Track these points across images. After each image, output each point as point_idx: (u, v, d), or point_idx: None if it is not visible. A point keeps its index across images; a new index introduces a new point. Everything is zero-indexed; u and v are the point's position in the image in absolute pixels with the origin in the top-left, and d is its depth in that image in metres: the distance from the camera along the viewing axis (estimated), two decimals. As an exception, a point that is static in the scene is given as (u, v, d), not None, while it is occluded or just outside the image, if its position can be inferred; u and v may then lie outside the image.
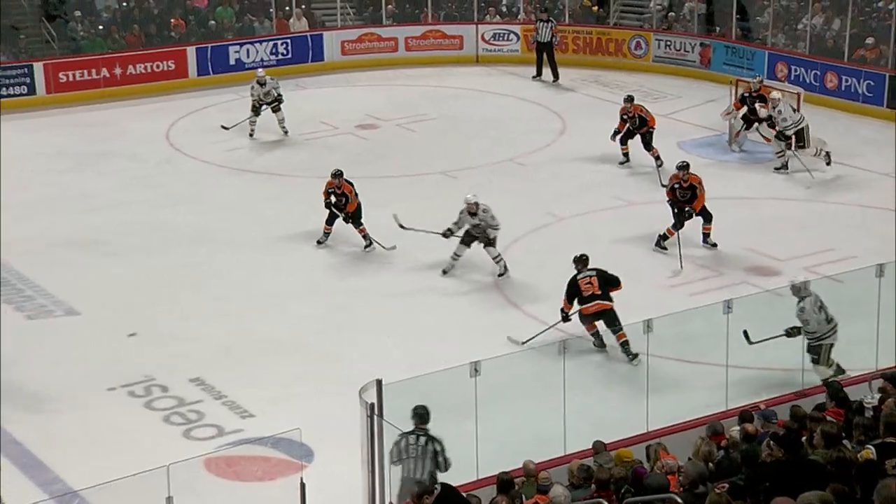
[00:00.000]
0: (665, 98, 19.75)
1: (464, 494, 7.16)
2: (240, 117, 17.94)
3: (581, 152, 16.76)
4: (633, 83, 20.70)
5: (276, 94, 17.57)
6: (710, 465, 7.21)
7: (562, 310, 11.08)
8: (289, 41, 21.55)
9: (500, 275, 12.79)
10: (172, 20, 21.26)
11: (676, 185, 13.24)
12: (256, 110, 17.66)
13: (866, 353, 9.65)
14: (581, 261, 11.25)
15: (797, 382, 9.39)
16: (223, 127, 17.88)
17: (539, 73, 20.90)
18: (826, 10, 19.76)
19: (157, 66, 20.53)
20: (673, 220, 13.23)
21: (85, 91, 19.86)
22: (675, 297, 11.97)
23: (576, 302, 11.01)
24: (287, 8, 22.08)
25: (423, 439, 7.97)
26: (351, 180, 13.69)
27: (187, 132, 18.37)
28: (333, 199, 13.58)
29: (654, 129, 15.93)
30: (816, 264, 12.69)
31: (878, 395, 7.87)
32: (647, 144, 15.94)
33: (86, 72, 19.99)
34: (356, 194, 13.59)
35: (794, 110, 16.18)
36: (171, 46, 20.82)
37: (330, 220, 13.70)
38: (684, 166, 13.33)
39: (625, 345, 10.59)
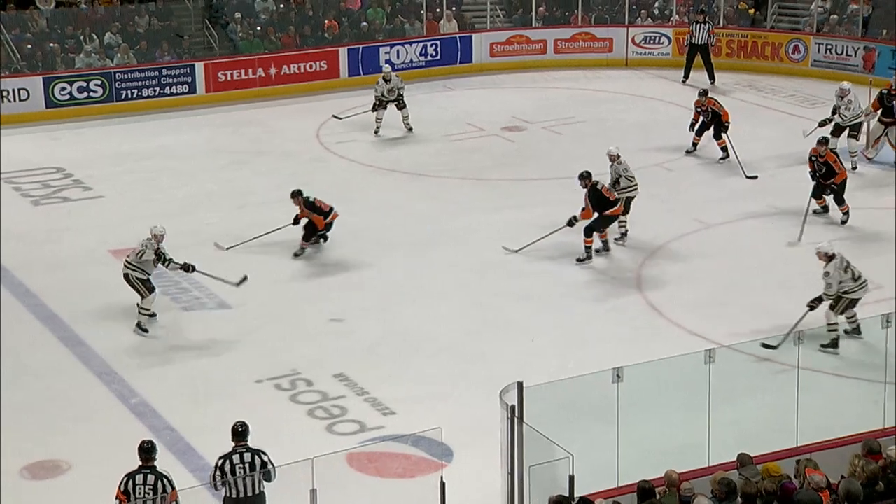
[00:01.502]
0: (822, 103, 19.01)
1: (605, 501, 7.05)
2: (396, 118, 18.16)
3: (732, 158, 16.35)
4: (790, 88, 20.11)
5: (399, 92, 17.86)
6: (881, 484, 6.90)
7: (574, 217, 13.01)
8: (438, 42, 21.74)
9: (618, 239, 13.61)
10: (326, 21, 21.73)
11: (814, 158, 13.86)
12: (378, 107, 17.92)
13: None
14: (587, 176, 13.08)
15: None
16: (335, 117, 18.12)
17: (687, 76, 20.51)
18: None
19: (311, 67, 21.00)
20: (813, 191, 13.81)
21: (242, 90, 20.47)
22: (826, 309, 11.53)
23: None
24: (437, 10, 22.28)
25: (247, 455, 7.83)
26: (311, 198, 13.53)
27: (336, 131, 18.72)
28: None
29: (728, 123, 16.20)
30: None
31: None
32: (717, 135, 16.28)
33: (243, 71, 20.61)
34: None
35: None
36: (324, 47, 21.27)
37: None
38: (824, 141, 13.93)
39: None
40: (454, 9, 22.40)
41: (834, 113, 15.96)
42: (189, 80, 20.23)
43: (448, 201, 15.45)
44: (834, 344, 10.71)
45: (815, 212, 14.08)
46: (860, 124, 15.91)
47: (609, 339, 11.43)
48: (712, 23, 20.65)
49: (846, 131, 15.95)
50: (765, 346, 10.11)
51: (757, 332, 11.30)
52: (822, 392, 9.50)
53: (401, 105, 17.99)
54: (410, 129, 18.15)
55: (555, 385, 8.24)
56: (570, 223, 13.19)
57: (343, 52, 21.18)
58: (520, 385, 7.95)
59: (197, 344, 11.63)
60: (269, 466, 7.89)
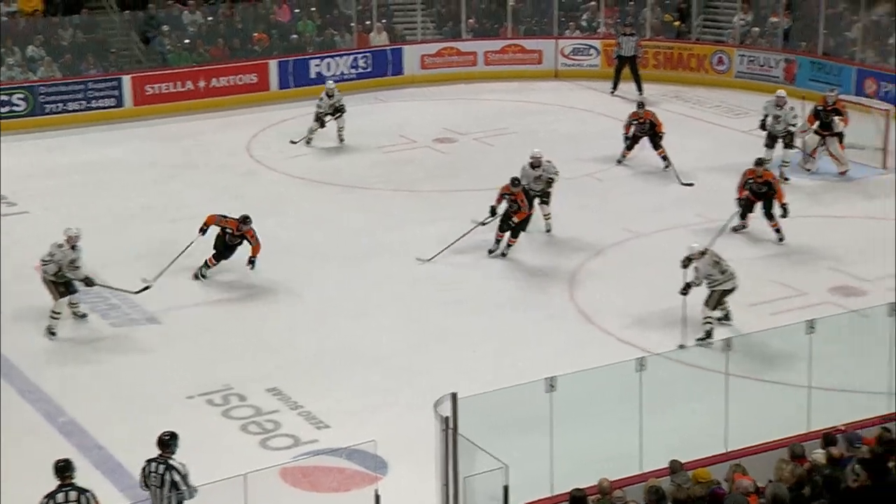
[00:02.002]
0: (747, 114, 19.44)
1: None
2: (329, 130, 18.21)
3: (659, 169, 16.59)
4: (714, 99, 20.47)
5: (339, 105, 17.98)
6: (808, 488, 7.04)
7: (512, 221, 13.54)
8: (369, 55, 21.75)
9: (547, 231, 14.16)
10: (256, 34, 21.61)
11: (752, 179, 13.83)
12: (321, 121, 17.99)
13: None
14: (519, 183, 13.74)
15: (882, 407, 9.14)
16: (292, 142, 18.16)
17: (616, 88, 20.78)
18: (918, 24, 19.34)
19: (240, 79, 20.88)
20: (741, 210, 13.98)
21: (170, 103, 20.27)
22: (753, 317, 11.78)
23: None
24: (368, 22, 22.29)
25: (161, 467, 7.79)
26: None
27: (268, 145, 18.62)
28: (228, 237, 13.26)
29: (663, 133, 16.48)
30: (903, 286, 12.38)
31: (967, 421, 7.65)
32: (656, 145, 16.53)
33: (171, 84, 20.40)
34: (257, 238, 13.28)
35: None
36: (254, 60, 21.16)
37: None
38: (760, 162, 14.00)
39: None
40: (385, 21, 22.44)
41: (764, 121, 16.22)
42: (116, 93, 19.97)
43: (382, 213, 15.45)
44: (708, 335, 11.44)
45: (734, 229, 14.13)
46: (793, 134, 16.17)
47: (542, 348, 11.52)
48: (639, 35, 20.94)
49: (780, 142, 16.22)
50: (681, 347, 11.01)
51: (686, 340, 11.50)
52: (750, 398, 9.66)
53: (339, 117, 18.04)
54: (342, 141, 18.18)
55: (488, 395, 8.26)
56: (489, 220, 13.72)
57: (273, 65, 21.08)
58: (454, 396, 7.97)
59: (127, 360, 11.48)
60: (183, 487, 7.73)
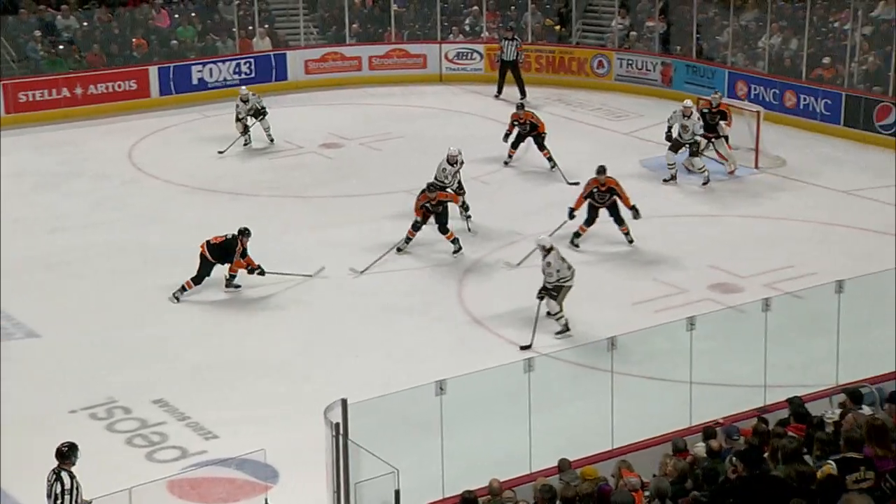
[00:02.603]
0: (627, 116, 19.93)
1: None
2: (213, 137, 18.06)
3: (545, 170, 16.85)
4: (596, 101, 20.87)
5: (259, 107, 17.96)
6: (690, 480, 7.25)
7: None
8: (252, 60, 21.54)
9: (469, 230, 14.45)
10: (134, 40, 21.19)
11: (595, 189, 13.97)
12: (245, 126, 18.01)
13: (827, 369, 9.75)
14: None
15: (759, 399, 9.47)
16: (219, 152, 17.96)
17: (500, 92, 21.03)
18: (784, 29, 20.04)
19: (119, 86, 20.45)
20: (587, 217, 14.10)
21: (46, 111, 19.72)
22: (638, 315, 12.06)
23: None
24: (250, 27, 22.06)
25: (53, 476, 7.81)
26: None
27: (149, 152, 18.29)
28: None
29: (545, 133, 16.79)
30: (778, 280, 12.84)
31: (838, 411, 7.98)
32: (540, 146, 16.75)
33: (46, 91, 19.86)
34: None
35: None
36: (133, 66, 20.74)
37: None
38: (602, 170, 14.02)
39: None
40: (267, 26, 22.25)
41: (670, 131, 16.50)
42: (-13, 99, 19.37)
43: (269, 220, 15.31)
44: (566, 328, 11.80)
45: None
46: (699, 142, 16.54)
47: (432, 351, 11.58)
48: (520, 39, 21.24)
49: (718, 142, 16.57)
50: (523, 348, 11.39)
51: (573, 340, 11.72)
52: (635, 395, 9.90)
53: (261, 119, 18.05)
54: (272, 141, 18.19)
55: (379, 400, 8.29)
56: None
57: (153, 71, 20.71)
58: (344, 402, 7.96)
59: (4, 376, 11.12)
60: (60, 500, 7.65)
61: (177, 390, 10.83)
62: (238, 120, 18.02)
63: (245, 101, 17.94)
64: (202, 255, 12.75)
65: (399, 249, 13.87)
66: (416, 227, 13.85)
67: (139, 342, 11.87)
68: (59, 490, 7.67)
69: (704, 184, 16.19)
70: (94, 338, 11.93)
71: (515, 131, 16.99)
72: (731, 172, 16.74)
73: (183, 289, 12.71)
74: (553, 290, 11.84)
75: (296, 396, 10.63)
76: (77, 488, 7.73)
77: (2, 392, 10.79)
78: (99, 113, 19.94)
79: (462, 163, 14.97)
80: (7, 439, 9.98)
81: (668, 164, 16.50)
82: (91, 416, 10.39)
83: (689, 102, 16.62)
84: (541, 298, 11.87)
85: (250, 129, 18.10)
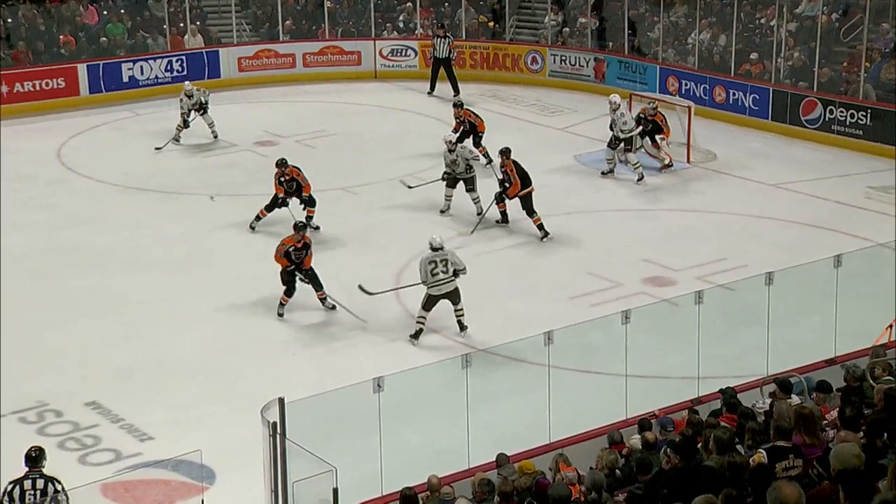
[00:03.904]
0: (562, 112, 20.07)
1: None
2: (144, 135, 17.93)
3: (483, 165, 16.89)
4: (530, 97, 20.98)
5: (203, 102, 17.93)
6: (618, 472, 7.34)
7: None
8: (184, 58, 21.30)
9: (478, 213, 14.81)
10: (62, 37, 20.80)
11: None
12: (185, 121, 17.92)
13: (758, 360, 9.92)
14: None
15: (693, 391, 9.61)
16: (156, 148, 17.73)
17: (433, 89, 21.03)
18: (713, 26, 20.33)
19: (47, 84, 20.09)
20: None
21: (-30, 109, 19.33)
22: (574, 309, 12.16)
23: None
24: (181, 24, 21.80)
25: (41, 482, 7.74)
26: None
27: (79, 151, 17.99)
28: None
29: (483, 132, 16.86)
30: (710, 273, 13.02)
31: (768, 401, 8.12)
32: (477, 144, 16.76)
33: (-31, 89, 19.47)
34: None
35: (633, 119, 16.63)
36: (61, 64, 20.38)
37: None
38: (506, 151, 14.51)
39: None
40: (199, 23, 22.01)
41: (612, 127, 16.61)
42: None
43: (201, 219, 15.17)
44: (417, 335, 11.69)
45: (497, 222, 14.69)
46: (633, 137, 16.68)
47: (369, 348, 11.56)
48: (452, 37, 21.26)
49: (622, 144, 16.68)
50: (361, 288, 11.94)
51: (511, 335, 11.75)
52: (572, 388, 9.99)
53: (204, 113, 17.96)
54: (216, 137, 18.09)
55: (316, 399, 8.26)
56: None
57: (82, 69, 20.38)
58: (281, 401, 7.92)
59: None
60: (63, 495, 7.61)
61: (110, 392, 10.68)
62: (182, 113, 17.89)
63: (189, 97, 17.85)
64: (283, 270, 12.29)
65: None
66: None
67: (69, 344, 11.68)
68: (59, 487, 7.63)
69: (638, 180, 16.35)
70: (23, 340, 11.70)
71: (460, 129, 16.80)
72: (665, 167, 16.89)
73: (281, 304, 12.34)
74: (427, 298, 11.66)
75: (231, 396, 10.54)
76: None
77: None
78: (26, 111, 19.56)
79: (454, 147, 15.02)
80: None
81: (607, 159, 16.62)
82: (21, 420, 10.20)
83: (614, 98, 16.68)
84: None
85: (190, 125, 17.93)
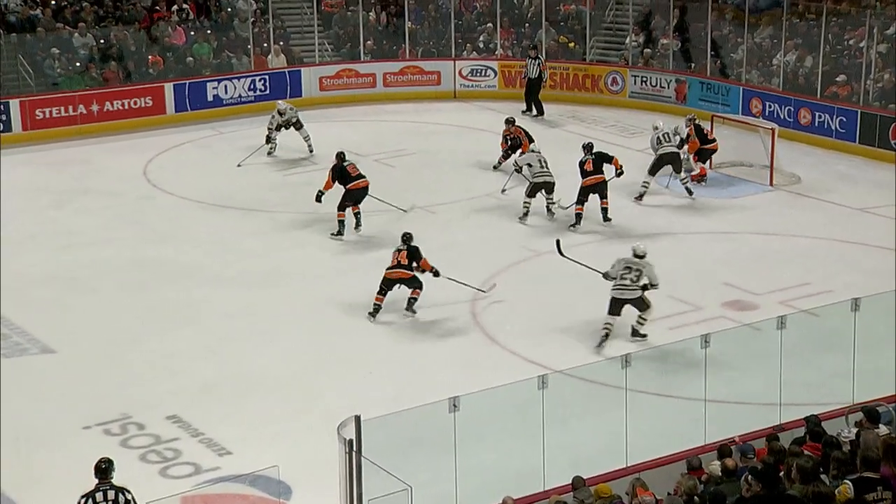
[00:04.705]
0: (642, 133, 19.84)
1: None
2: (228, 153, 18.32)
3: (558, 188, 16.80)
4: (610, 118, 20.86)
5: (295, 119, 18.41)
6: (696, 498, 7.21)
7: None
8: (267, 77, 21.63)
9: (552, 209, 15.66)
10: (150, 57, 21.30)
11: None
12: (269, 138, 18.42)
13: (843, 387, 9.69)
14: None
15: (775, 417, 9.41)
16: (238, 165, 18.16)
17: (529, 109, 21.10)
18: (798, 47, 20.01)
19: (135, 103, 20.55)
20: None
21: (62, 128, 19.83)
22: (653, 332, 12.02)
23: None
24: (265, 44, 22.17)
25: (112, 493, 7.74)
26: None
27: (164, 168, 18.36)
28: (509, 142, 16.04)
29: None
30: (793, 298, 12.78)
31: (854, 430, 7.92)
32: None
33: (62, 108, 19.97)
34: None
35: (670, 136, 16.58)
36: (149, 83, 20.85)
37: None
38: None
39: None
40: (282, 43, 22.35)
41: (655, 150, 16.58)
42: (4, 117, 19.46)
43: (283, 237, 15.36)
44: (603, 340, 11.83)
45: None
46: (679, 156, 16.60)
47: (445, 368, 11.56)
48: (543, 58, 21.29)
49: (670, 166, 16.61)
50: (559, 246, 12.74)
51: (588, 357, 11.66)
52: (649, 412, 9.87)
53: (299, 127, 18.43)
54: (312, 150, 18.48)
55: (392, 417, 8.27)
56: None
57: (169, 88, 20.81)
58: (357, 419, 7.95)
59: (20, 391, 11.13)
60: None
61: (190, 406, 10.83)
62: (270, 129, 18.34)
63: (281, 114, 18.29)
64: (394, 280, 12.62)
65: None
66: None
67: (153, 358, 11.89)
68: (129, 498, 7.70)
69: (689, 195, 16.31)
70: (109, 353, 11.95)
71: (508, 144, 17.43)
72: (696, 178, 16.88)
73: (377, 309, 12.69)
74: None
75: (309, 412, 10.62)
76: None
77: (17, 407, 10.81)
78: (115, 130, 20.03)
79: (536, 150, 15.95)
80: (22, 455, 10.00)
81: (644, 182, 16.48)
82: (105, 432, 10.39)
83: (657, 122, 16.81)
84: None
85: (275, 140, 18.40)
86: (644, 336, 11.88)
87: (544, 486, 8.46)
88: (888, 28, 19.20)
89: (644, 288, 11.87)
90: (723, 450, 8.06)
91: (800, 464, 6.57)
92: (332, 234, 15.03)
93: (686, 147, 16.92)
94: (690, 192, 16.42)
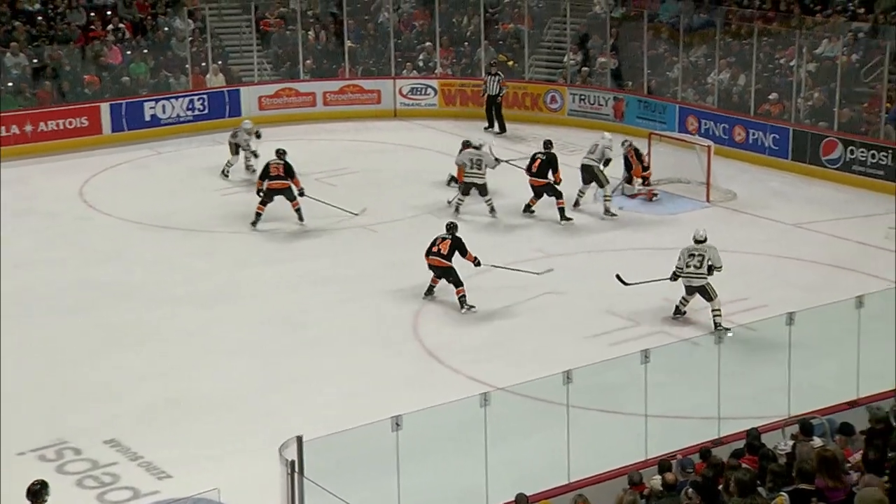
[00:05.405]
0: (581, 150, 19.98)
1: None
2: (166, 174, 18.29)
3: (500, 205, 16.91)
4: (550, 136, 20.95)
5: (254, 149, 18.34)
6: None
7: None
8: (205, 97, 21.49)
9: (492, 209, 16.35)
10: (86, 76, 21.05)
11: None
12: (255, 153, 18.29)
13: (779, 401, 9.84)
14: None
15: (714, 431, 9.53)
16: (223, 176, 18.30)
17: (491, 125, 21.23)
18: (732, 66, 20.38)
19: (70, 123, 20.30)
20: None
21: (-5, 148, 19.53)
22: (594, 348, 12.11)
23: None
24: (203, 64, 22.02)
25: None
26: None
27: (101, 189, 18.14)
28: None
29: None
30: (730, 313, 12.95)
31: (790, 442, 8.05)
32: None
33: (-4, 128, 19.67)
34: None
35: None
36: (85, 103, 20.60)
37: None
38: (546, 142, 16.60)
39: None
40: (220, 63, 22.23)
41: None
42: (-65, 137, 19.12)
43: (225, 256, 15.24)
44: (676, 312, 12.57)
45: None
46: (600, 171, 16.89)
47: (388, 387, 11.54)
48: (503, 75, 21.43)
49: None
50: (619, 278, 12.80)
51: (530, 373, 11.70)
52: (591, 428, 9.93)
53: (255, 155, 18.30)
54: (227, 174, 18.34)
55: (335, 437, 8.24)
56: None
57: (105, 108, 20.59)
58: (299, 439, 7.91)
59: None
60: None
61: (130, 430, 10.69)
62: (235, 143, 18.19)
63: (249, 134, 18.28)
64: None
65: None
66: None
67: (89, 381, 11.72)
68: None
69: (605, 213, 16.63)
70: (44, 378, 11.75)
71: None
72: (651, 195, 17.21)
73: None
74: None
75: (250, 434, 10.53)
76: None
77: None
78: (50, 150, 19.76)
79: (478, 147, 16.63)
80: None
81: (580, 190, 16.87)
82: (40, 458, 10.21)
83: (604, 134, 17.30)
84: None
85: (247, 154, 18.32)
86: (727, 329, 11.77)
87: (487, 503, 8.47)
88: (816, 48, 19.64)
89: (709, 272, 12.34)
90: (663, 464, 8.14)
91: (738, 477, 6.66)
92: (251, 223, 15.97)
93: (629, 173, 17.21)
94: (608, 212, 16.57)
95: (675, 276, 12.72)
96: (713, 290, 12.49)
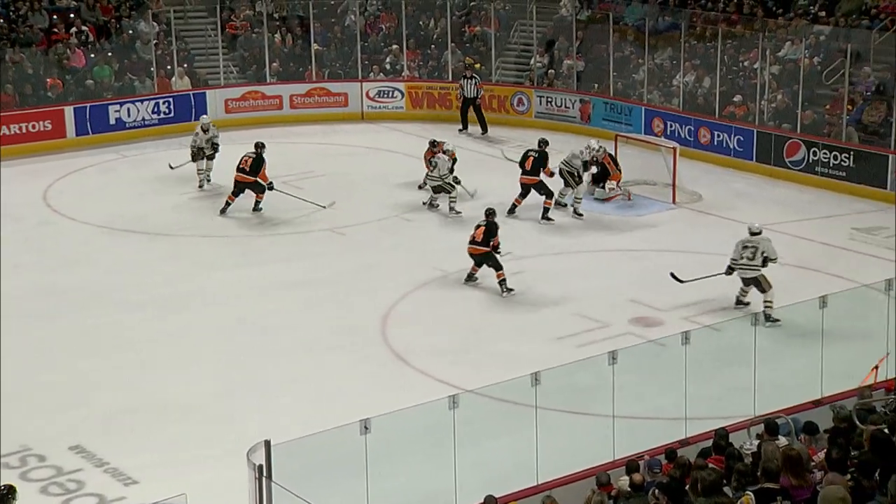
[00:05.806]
0: (549, 153, 20.13)
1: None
2: (131, 178, 18.11)
3: (467, 207, 16.94)
4: (517, 138, 21.07)
5: (214, 143, 17.98)
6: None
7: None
8: (171, 100, 21.36)
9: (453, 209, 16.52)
10: (49, 80, 20.86)
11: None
12: (198, 158, 17.98)
13: (745, 401, 9.92)
14: (540, 142, 16.81)
15: (681, 431, 9.59)
16: (170, 166, 18.04)
17: (465, 127, 21.24)
18: (697, 68, 20.53)
19: (34, 127, 20.11)
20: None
21: (-43, 152, 19.31)
22: (562, 349, 12.15)
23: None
24: (168, 67, 21.89)
25: None
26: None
27: (65, 193, 17.98)
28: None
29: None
30: (696, 314, 13.05)
31: (756, 442, 8.12)
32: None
33: (-43, 132, 19.46)
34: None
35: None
36: (48, 106, 20.42)
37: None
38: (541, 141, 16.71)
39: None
40: (186, 66, 22.10)
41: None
42: None
43: (191, 260, 15.16)
44: (738, 300, 12.63)
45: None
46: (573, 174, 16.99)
47: (356, 390, 11.52)
48: (479, 77, 21.46)
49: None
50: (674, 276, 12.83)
51: (498, 375, 11.73)
52: (559, 429, 9.97)
53: (211, 157, 18.02)
54: (202, 186, 18.03)
55: (303, 441, 8.21)
56: None
57: (69, 111, 20.41)
58: (267, 443, 7.89)
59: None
60: None
61: (95, 436, 10.60)
62: (192, 147, 17.92)
63: (205, 131, 17.97)
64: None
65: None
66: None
67: (54, 387, 11.60)
68: None
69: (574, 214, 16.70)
70: (7, 384, 11.60)
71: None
72: (629, 196, 17.36)
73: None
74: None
75: (217, 438, 10.48)
76: None
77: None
78: (12, 154, 19.54)
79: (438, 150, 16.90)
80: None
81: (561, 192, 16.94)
82: (3, 465, 10.10)
83: (590, 142, 17.44)
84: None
85: (208, 167, 18.02)
86: (777, 321, 12.07)
87: (456, 505, 8.48)
88: (779, 50, 19.82)
89: (764, 263, 12.43)
90: (630, 465, 8.19)
91: (703, 476, 6.71)
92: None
93: (611, 178, 17.36)
94: (576, 212, 16.74)
95: (730, 269, 12.85)
96: (767, 282, 12.61)
